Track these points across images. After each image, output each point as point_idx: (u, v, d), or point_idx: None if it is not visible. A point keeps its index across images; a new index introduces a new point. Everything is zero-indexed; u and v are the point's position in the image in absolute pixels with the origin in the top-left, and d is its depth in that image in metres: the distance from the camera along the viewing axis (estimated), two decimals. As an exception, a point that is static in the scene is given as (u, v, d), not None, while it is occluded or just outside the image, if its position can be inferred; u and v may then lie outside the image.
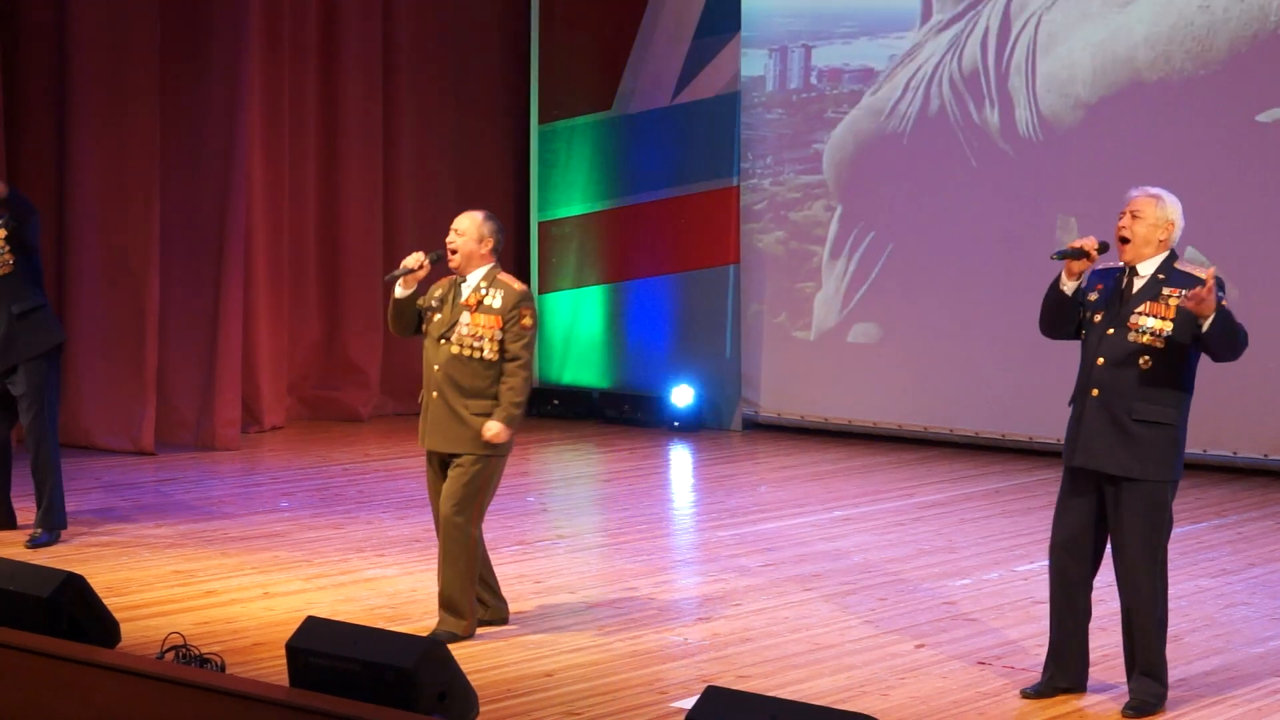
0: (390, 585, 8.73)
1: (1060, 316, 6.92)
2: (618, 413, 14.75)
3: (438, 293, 7.82)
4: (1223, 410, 11.97)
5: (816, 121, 14.14)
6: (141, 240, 12.68)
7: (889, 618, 8.23)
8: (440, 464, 7.76)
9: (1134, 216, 6.74)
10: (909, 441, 13.68)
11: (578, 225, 15.32)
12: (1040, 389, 12.41)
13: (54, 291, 12.23)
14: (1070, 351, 7.01)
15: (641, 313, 14.98)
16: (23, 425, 9.47)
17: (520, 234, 15.55)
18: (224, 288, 13.07)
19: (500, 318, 7.65)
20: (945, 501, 11.37)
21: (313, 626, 6.04)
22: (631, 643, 7.70)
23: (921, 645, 7.73)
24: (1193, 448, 11.82)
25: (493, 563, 8.08)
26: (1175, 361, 6.66)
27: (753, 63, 14.36)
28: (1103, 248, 6.82)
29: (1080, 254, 6.79)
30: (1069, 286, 6.83)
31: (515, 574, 8.93)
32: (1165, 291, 6.66)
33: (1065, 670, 6.94)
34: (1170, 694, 6.82)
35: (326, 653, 5.78)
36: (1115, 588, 6.85)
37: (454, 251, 7.74)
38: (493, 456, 7.67)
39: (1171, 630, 7.04)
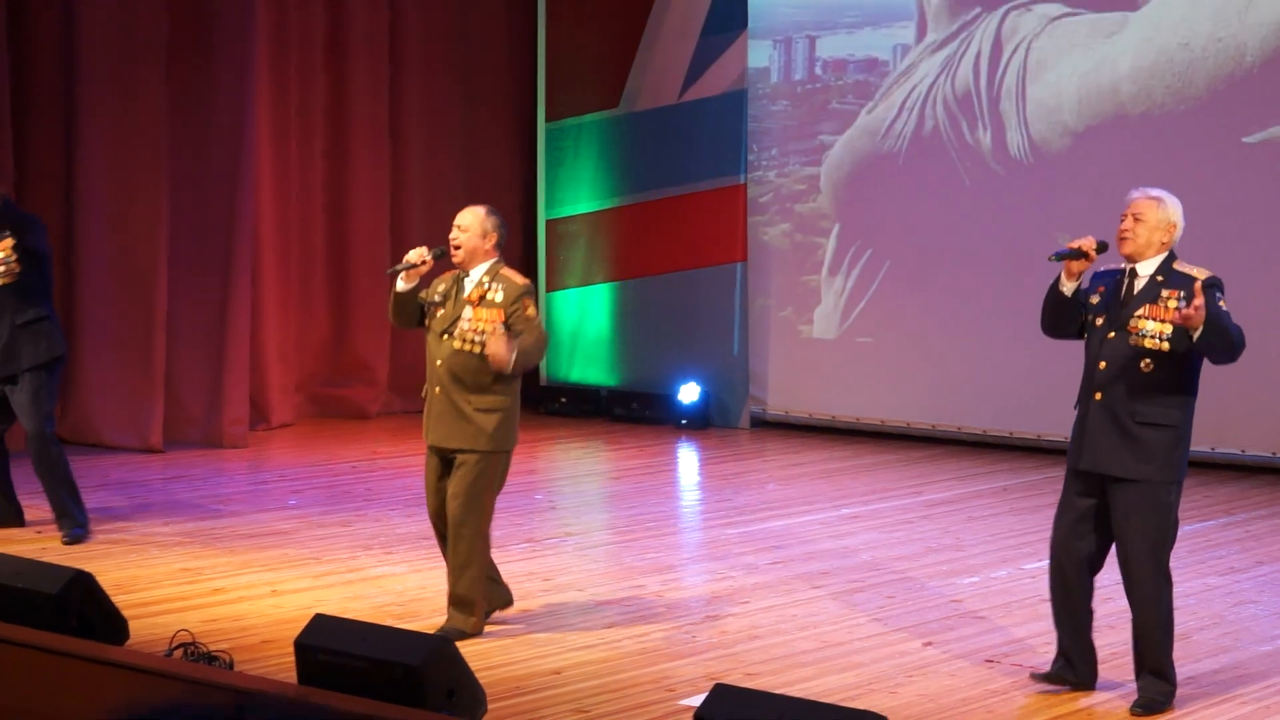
0: (398, 583, 8.73)
1: (1060, 317, 6.92)
2: (625, 410, 14.75)
3: (440, 287, 7.79)
4: (1231, 408, 11.96)
5: (821, 113, 14.13)
6: (149, 238, 12.70)
7: (897, 615, 8.23)
8: (441, 458, 7.74)
9: (1136, 219, 6.74)
10: (917, 439, 13.67)
11: (585, 223, 15.32)
12: (1048, 388, 12.39)
13: (62, 290, 12.23)
14: (1079, 350, 7.00)
15: (649, 310, 14.97)
16: (27, 434, 9.49)
17: (527, 232, 15.56)
18: (232, 286, 13.08)
19: (503, 311, 7.62)
20: (953, 499, 11.37)
21: (321, 624, 6.04)
22: (640, 640, 7.70)
23: (929, 643, 7.73)
24: (1201, 446, 11.88)
25: (501, 560, 8.08)
26: (1177, 363, 6.66)
27: (757, 54, 14.35)
28: (1101, 248, 6.83)
29: (1079, 254, 6.79)
30: (1068, 287, 6.83)
31: (524, 571, 8.93)
32: (1164, 294, 6.66)
33: (1073, 667, 6.95)
34: (1178, 692, 6.82)
35: (335, 650, 5.78)
36: (1122, 586, 6.85)
37: (457, 247, 7.72)
38: (496, 453, 7.64)
39: (1180, 628, 7.03)
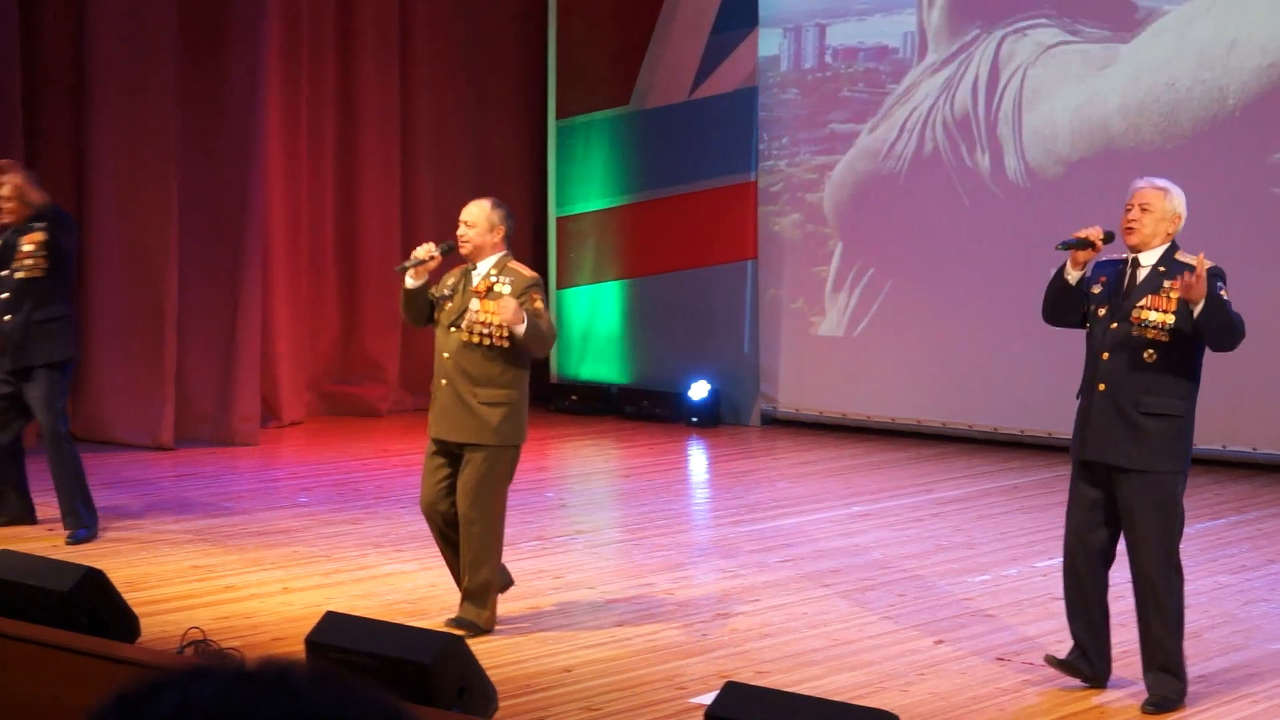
0: (409, 581, 8.74)
1: (1063, 306, 6.92)
2: (636, 408, 14.76)
3: (450, 281, 7.78)
4: (1242, 406, 11.96)
5: (832, 101, 14.13)
6: (160, 235, 12.71)
7: (908, 613, 8.23)
8: (445, 451, 7.72)
9: (1143, 209, 6.74)
10: (928, 437, 13.67)
11: (595, 221, 15.32)
12: (1059, 385, 12.31)
13: (73, 287, 12.25)
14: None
15: (659, 308, 14.97)
16: (41, 429, 9.51)
17: (538, 229, 15.57)
18: (243, 284, 13.10)
19: None
20: (964, 497, 11.36)
21: (332, 621, 6.05)
22: (650, 638, 7.70)
23: (940, 641, 7.73)
24: (1212, 444, 11.95)
25: (511, 558, 8.08)
26: (1180, 353, 6.66)
27: (768, 43, 14.36)
28: (1108, 238, 6.83)
29: (1085, 244, 6.79)
30: (1073, 276, 6.83)
31: (534, 569, 8.94)
32: (1166, 284, 6.66)
33: (1087, 660, 6.94)
34: (1190, 690, 6.82)
35: (346, 648, 5.79)
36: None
37: (465, 241, 7.69)
38: (503, 447, 7.63)
39: (1191, 626, 7.03)
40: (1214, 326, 6.54)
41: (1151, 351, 6.66)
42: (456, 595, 7.81)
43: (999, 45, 13.24)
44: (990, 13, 13.29)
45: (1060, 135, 12.96)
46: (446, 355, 7.67)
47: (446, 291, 7.74)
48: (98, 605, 6.49)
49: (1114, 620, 7.05)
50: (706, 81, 14.58)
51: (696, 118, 14.66)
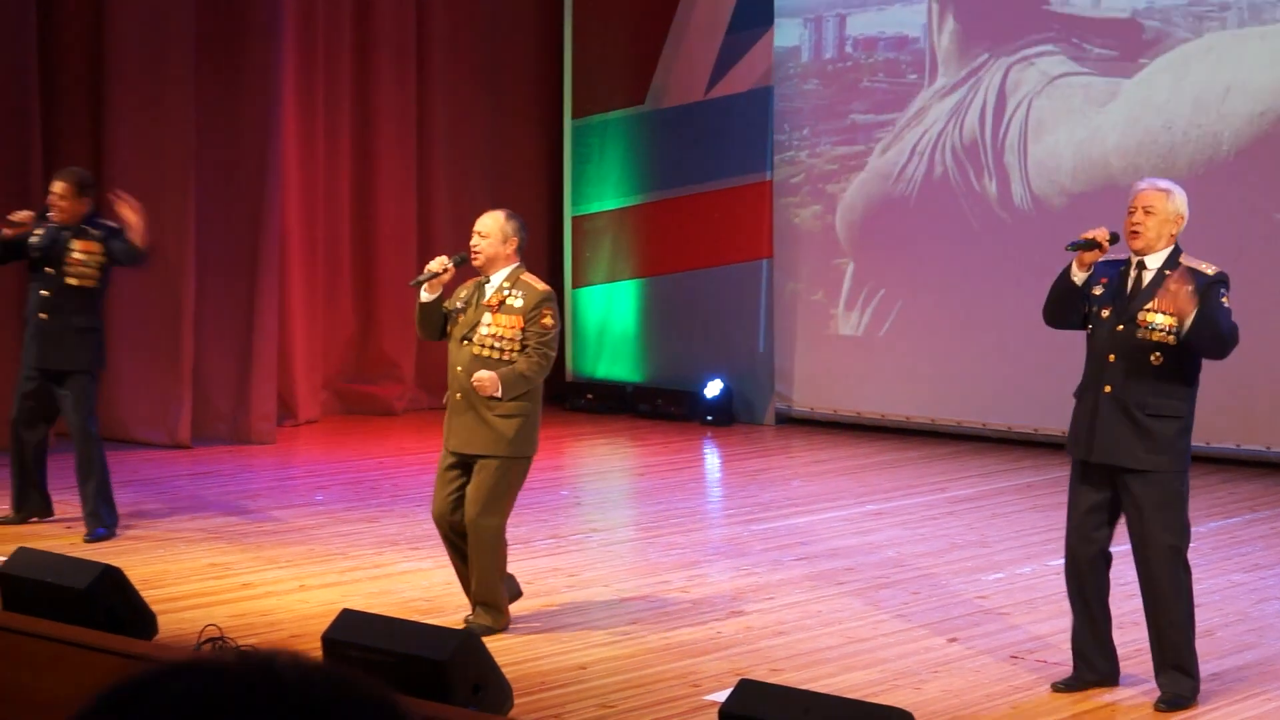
0: (424, 579, 8.75)
1: (1066, 307, 6.94)
2: (651, 407, 14.76)
3: (463, 294, 7.76)
4: (1255, 406, 11.95)
5: (852, 92, 14.14)
6: (178, 236, 12.74)
7: (921, 612, 8.23)
8: (461, 463, 7.72)
9: (1147, 212, 6.75)
10: (941, 436, 13.67)
11: (611, 220, 15.33)
12: (1073, 385, 12.37)
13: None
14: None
15: (675, 307, 14.98)
16: (70, 429, 9.55)
17: (554, 229, 15.58)
18: (260, 283, 13.12)
19: (521, 318, 7.59)
20: (977, 496, 11.36)
21: (348, 619, 6.07)
22: (664, 636, 7.71)
23: (954, 639, 7.73)
24: (1225, 442, 11.96)
25: (526, 556, 8.10)
26: (1185, 356, 6.69)
27: (788, 33, 14.36)
28: (1114, 239, 6.85)
29: (1093, 245, 6.81)
30: (1079, 277, 6.85)
31: (549, 567, 8.95)
32: (1173, 288, 6.66)
33: (1091, 665, 6.94)
34: (1203, 688, 6.81)
35: (362, 645, 5.80)
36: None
37: (478, 253, 7.68)
38: (516, 458, 7.64)
39: (1204, 625, 7.02)
40: (1203, 341, 6.58)
41: (1158, 354, 6.67)
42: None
43: (1006, 73, 13.34)
44: (998, 37, 13.34)
45: (1063, 168, 13.08)
46: (460, 369, 7.65)
47: (459, 304, 7.72)
48: (115, 602, 6.52)
49: (1126, 619, 7.06)
50: (722, 81, 14.58)
51: (712, 117, 14.66)
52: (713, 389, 14.43)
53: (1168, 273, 6.70)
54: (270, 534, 9.78)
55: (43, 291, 9.47)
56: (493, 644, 6.60)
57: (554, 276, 15.00)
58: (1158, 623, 6.76)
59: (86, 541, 9.36)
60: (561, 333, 7.86)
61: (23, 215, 9.48)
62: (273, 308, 13.25)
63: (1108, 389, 6.75)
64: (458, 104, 15.07)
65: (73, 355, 9.45)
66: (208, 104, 12.95)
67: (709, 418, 14.38)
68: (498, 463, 7.58)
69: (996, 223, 13.40)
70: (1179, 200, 6.78)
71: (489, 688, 5.81)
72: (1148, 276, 6.74)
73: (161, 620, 6.90)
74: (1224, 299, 6.60)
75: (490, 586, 7.64)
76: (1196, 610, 6.91)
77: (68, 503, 9.88)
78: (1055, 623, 7.93)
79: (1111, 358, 6.75)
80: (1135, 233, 6.74)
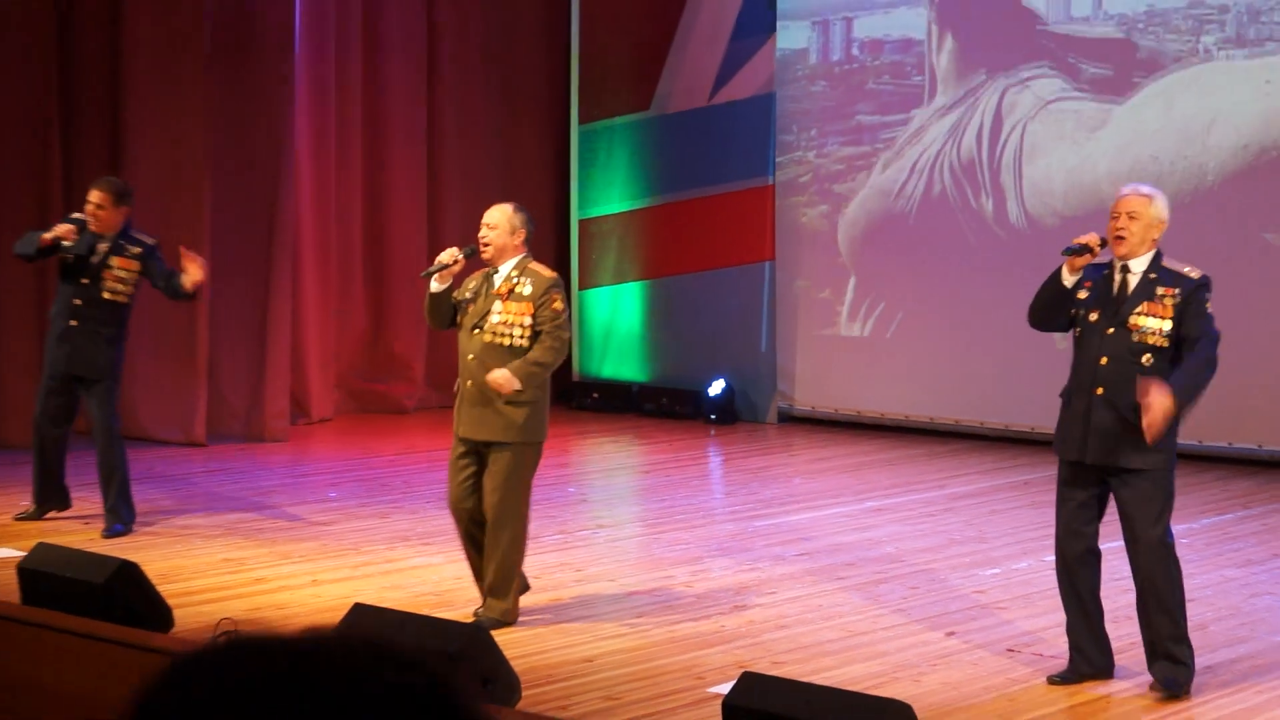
0: (434, 573, 8.76)
1: (1055, 309, 6.97)
2: (656, 406, 14.76)
3: (471, 284, 7.81)
4: (1248, 405, 11.95)
5: (859, 93, 14.14)
6: (193, 237, 12.72)
7: (920, 606, 8.23)
8: (470, 449, 7.74)
9: (1131, 217, 6.78)
10: (940, 434, 13.67)
11: (617, 223, 15.33)
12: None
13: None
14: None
15: (679, 308, 14.98)
16: (95, 429, 9.57)
17: (561, 231, 15.58)
18: (274, 284, 13.13)
19: (531, 304, 7.65)
20: (976, 493, 11.36)
21: (360, 613, 6.08)
22: (669, 629, 7.72)
23: (952, 633, 7.73)
24: (1218, 440, 11.97)
25: (534, 551, 8.10)
26: (1174, 357, 6.75)
27: (796, 35, 14.37)
28: (1104, 243, 6.89)
29: (1086, 250, 6.84)
30: (1070, 280, 6.89)
31: (556, 562, 8.95)
32: (1160, 291, 6.73)
33: (1086, 658, 6.95)
34: (1196, 680, 6.82)
35: (373, 638, 5.80)
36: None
37: (487, 245, 7.73)
38: (527, 444, 7.67)
39: (1197, 619, 7.03)
40: (1202, 387, 6.65)
41: (1149, 356, 6.71)
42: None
43: (1002, 95, 13.39)
44: (995, 58, 13.39)
45: (1056, 191, 13.14)
46: (471, 357, 7.70)
47: (469, 295, 7.77)
48: (133, 597, 6.52)
49: (1120, 613, 7.06)
50: (725, 87, 14.59)
51: (715, 122, 14.66)
52: (716, 388, 14.44)
53: (1153, 276, 6.73)
54: (284, 530, 9.79)
55: (75, 300, 9.47)
56: (501, 637, 6.61)
57: (561, 278, 14.97)
58: (1150, 616, 6.77)
59: (104, 537, 9.37)
60: (567, 325, 7.87)
61: (64, 229, 9.43)
62: (286, 309, 13.26)
63: (1099, 391, 6.76)
64: (467, 109, 15.08)
65: (99, 363, 9.48)
66: (222, 109, 12.96)
67: (712, 416, 14.38)
68: (511, 450, 7.61)
69: (993, 239, 13.44)
70: (1160, 205, 6.82)
71: (498, 680, 5.82)
72: (1133, 280, 6.78)
73: (177, 614, 6.90)
74: (1207, 304, 6.66)
75: (507, 573, 7.63)
76: (1190, 605, 6.93)
77: (85, 499, 9.89)
78: (1051, 617, 7.92)
79: (1103, 361, 6.77)
80: (1120, 238, 6.77)
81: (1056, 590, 7.06)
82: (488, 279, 7.76)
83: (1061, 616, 7.07)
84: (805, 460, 12.89)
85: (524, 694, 6.11)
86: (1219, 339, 6.73)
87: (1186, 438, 6.95)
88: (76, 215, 9.60)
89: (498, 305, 7.66)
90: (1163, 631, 6.74)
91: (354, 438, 13.36)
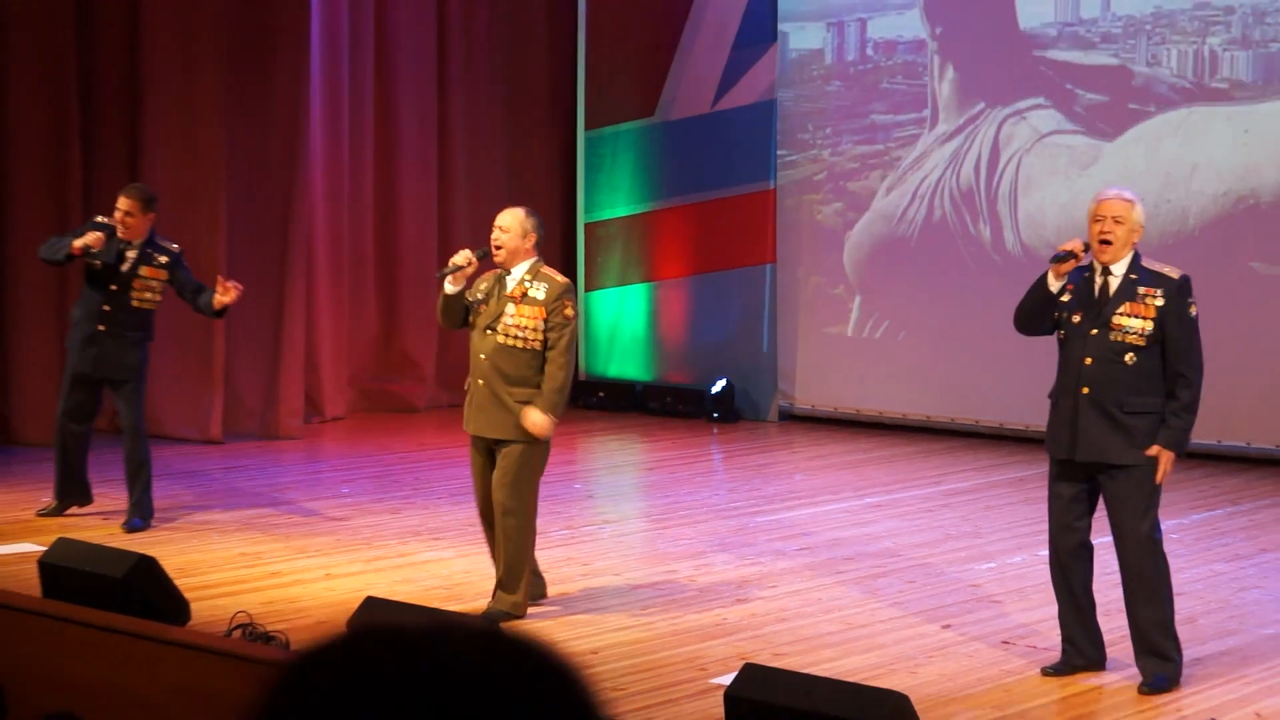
0: (445, 567, 8.76)
1: (1040, 315, 7.03)
2: (660, 405, 14.76)
3: (483, 286, 7.83)
4: (1237, 403, 11.94)
5: (873, 93, 14.14)
6: (209, 240, 12.75)
7: (917, 599, 8.23)
8: (485, 447, 7.77)
9: (1116, 221, 6.80)
10: (937, 432, 13.66)
11: (622, 226, 15.33)
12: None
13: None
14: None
15: (682, 309, 14.98)
16: (123, 427, 9.59)
17: (567, 234, 15.58)
18: (288, 286, 13.14)
19: (544, 308, 7.67)
20: (972, 489, 11.36)
21: (372, 606, 6.08)
22: (673, 622, 7.72)
23: (948, 626, 7.73)
24: (1207, 438, 11.95)
25: (541, 546, 8.10)
26: (1156, 356, 6.76)
27: (811, 36, 14.36)
28: (1086, 248, 6.92)
29: (1071, 255, 6.87)
30: (1055, 285, 6.92)
31: (563, 557, 8.96)
32: (1141, 291, 6.76)
33: (1079, 650, 6.96)
34: (1185, 672, 6.82)
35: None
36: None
37: (499, 248, 7.75)
38: (535, 442, 7.69)
39: (1186, 612, 7.03)
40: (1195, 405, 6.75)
41: (1132, 355, 6.74)
42: (491, 580, 7.83)
43: (999, 127, 13.41)
44: (993, 88, 13.42)
45: (1049, 224, 13.13)
46: (483, 356, 7.72)
47: (480, 296, 7.80)
48: (150, 590, 6.52)
49: (1113, 606, 7.05)
50: (728, 95, 14.58)
51: (718, 129, 14.66)
52: (718, 387, 14.44)
53: (1134, 276, 6.75)
54: (298, 525, 9.80)
55: (105, 307, 9.48)
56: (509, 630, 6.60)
57: (573, 285, 14.98)
58: (1137, 609, 6.77)
59: (124, 529, 9.39)
60: (575, 333, 7.90)
61: (94, 237, 9.41)
62: (300, 310, 13.27)
63: (1085, 390, 6.78)
64: (477, 115, 15.08)
65: (128, 364, 9.51)
66: (238, 116, 12.97)
67: (715, 415, 14.38)
68: (521, 447, 7.63)
69: (991, 265, 13.46)
70: (1140, 209, 6.91)
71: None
72: (1114, 282, 6.82)
73: (194, 607, 6.91)
74: (1190, 308, 6.69)
75: (516, 567, 7.64)
76: (1179, 599, 6.94)
77: (105, 495, 9.90)
78: (1045, 610, 7.91)
79: (1088, 361, 6.79)
80: (1106, 242, 6.79)
81: (1050, 584, 7.07)
82: (500, 281, 7.77)
83: (1055, 609, 7.07)
84: (805, 458, 12.88)
85: (531, 685, 6.10)
86: (1202, 370, 6.78)
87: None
88: (101, 219, 9.59)
89: (510, 308, 7.68)
90: (1150, 625, 6.74)
91: (366, 435, 13.37)
